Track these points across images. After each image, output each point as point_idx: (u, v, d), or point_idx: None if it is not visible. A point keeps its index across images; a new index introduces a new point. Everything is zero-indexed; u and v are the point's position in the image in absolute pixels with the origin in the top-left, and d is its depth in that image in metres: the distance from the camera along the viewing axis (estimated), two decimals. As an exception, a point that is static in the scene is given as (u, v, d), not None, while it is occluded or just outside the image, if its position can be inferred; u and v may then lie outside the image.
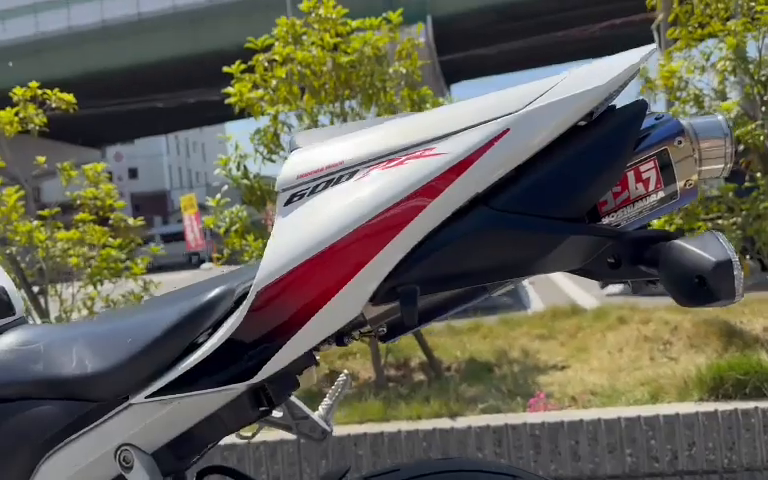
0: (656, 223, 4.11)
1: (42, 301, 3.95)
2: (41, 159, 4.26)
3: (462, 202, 0.71)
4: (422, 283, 0.72)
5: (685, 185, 0.77)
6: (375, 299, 0.72)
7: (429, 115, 0.80)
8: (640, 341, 4.02)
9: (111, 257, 3.95)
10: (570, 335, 4.56)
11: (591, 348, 4.13)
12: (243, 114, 4.00)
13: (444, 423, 2.88)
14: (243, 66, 3.95)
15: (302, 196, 0.75)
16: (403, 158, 0.73)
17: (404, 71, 3.79)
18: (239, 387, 0.75)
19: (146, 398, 0.77)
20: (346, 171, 0.74)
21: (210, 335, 0.76)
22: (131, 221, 4.27)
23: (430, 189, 0.70)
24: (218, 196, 3.94)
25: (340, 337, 0.86)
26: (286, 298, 0.72)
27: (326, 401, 1.20)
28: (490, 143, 0.70)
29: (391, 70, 3.82)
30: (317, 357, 0.94)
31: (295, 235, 0.72)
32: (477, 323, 5.26)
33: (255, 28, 4.64)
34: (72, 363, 0.83)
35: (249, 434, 1.17)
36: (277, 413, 1.18)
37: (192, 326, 0.78)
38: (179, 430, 0.79)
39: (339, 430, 2.86)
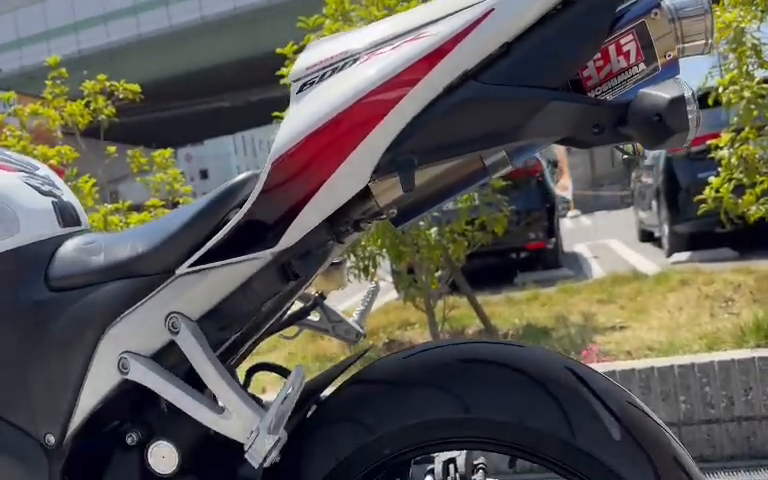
0: (714, 180, 4.02)
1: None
2: (112, 149, 4.54)
3: (452, 78, 0.80)
4: (419, 153, 0.81)
5: (665, 57, 0.82)
6: (378, 171, 0.82)
7: (426, 6, 0.88)
8: (701, 300, 3.96)
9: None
10: (630, 299, 4.51)
11: (650, 309, 4.08)
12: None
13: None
14: (296, 47, 4.10)
15: (311, 84, 0.85)
16: (400, 42, 0.82)
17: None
18: (265, 255, 0.86)
19: (188, 268, 0.89)
20: (350, 58, 0.84)
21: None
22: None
23: (422, 67, 0.79)
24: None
25: (357, 222, 0.96)
26: (298, 168, 0.82)
27: (359, 307, 1.31)
28: (476, 23, 0.79)
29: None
30: (344, 244, 1.04)
31: (304, 114, 0.83)
32: (536, 293, 5.27)
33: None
34: (126, 249, 0.97)
35: (291, 335, 1.29)
36: (314, 317, 1.29)
37: (222, 204, 0.91)
38: (218, 298, 0.91)
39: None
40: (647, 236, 8.68)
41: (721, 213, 4.04)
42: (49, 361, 0.99)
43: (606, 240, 9.84)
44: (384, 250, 4.16)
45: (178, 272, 0.91)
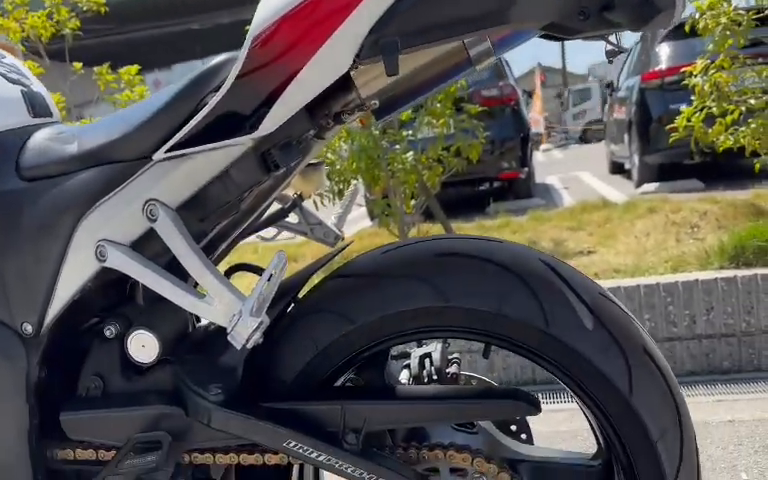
0: (685, 110, 4.06)
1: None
2: (77, 65, 4.39)
3: None
4: (403, 36, 0.79)
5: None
6: (361, 54, 0.80)
7: None
8: (668, 226, 4.05)
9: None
10: (599, 226, 4.59)
11: (619, 235, 4.17)
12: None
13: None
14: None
15: None
16: None
17: None
18: (245, 141, 0.85)
19: (165, 153, 0.88)
20: None
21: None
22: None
23: None
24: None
25: (338, 115, 0.95)
26: (278, 50, 0.80)
27: (337, 210, 1.31)
28: None
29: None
30: (324, 140, 1.03)
31: None
32: (507, 221, 5.32)
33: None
34: (101, 136, 0.95)
35: (269, 237, 1.29)
36: (293, 219, 1.29)
37: (199, 88, 0.89)
38: (196, 186, 0.90)
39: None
40: (617, 168, 8.79)
41: (691, 142, 4.10)
42: (24, 250, 0.97)
43: (577, 172, 9.94)
44: (359, 175, 4.15)
45: (155, 158, 0.89)
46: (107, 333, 1.00)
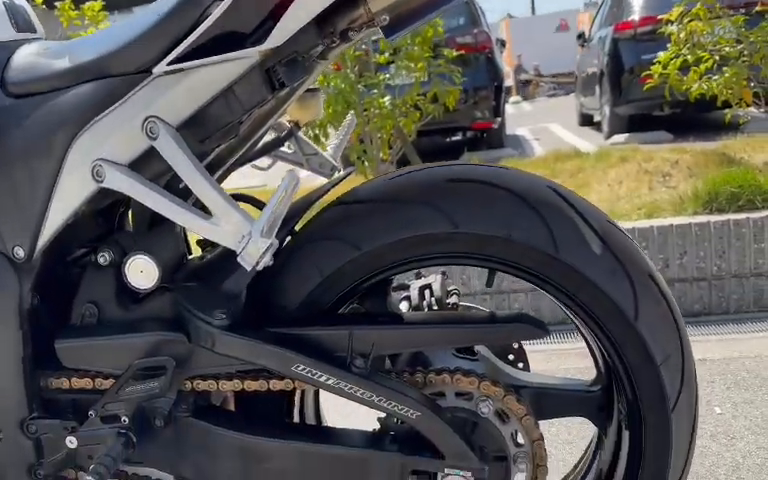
0: (663, 56, 4.08)
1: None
2: (38, 0, 4.19)
3: None
4: None
5: None
6: None
7: None
8: (641, 175, 4.09)
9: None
10: (571, 174, 4.62)
11: (591, 183, 4.20)
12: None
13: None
14: None
15: None
16: None
17: None
18: (251, 53, 0.81)
19: (166, 66, 0.83)
20: None
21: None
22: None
23: None
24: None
25: (345, 32, 0.92)
26: None
27: (334, 141, 1.28)
28: None
29: None
30: (327, 60, 1.00)
31: None
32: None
33: None
34: (96, 49, 0.90)
35: (264, 167, 1.26)
36: (288, 149, 1.26)
37: None
38: (198, 103, 0.86)
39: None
40: (587, 120, 8.84)
41: (666, 91, 4.14)
42: (13, 171, 0.93)
43: (547, 124, 9.98)
44: (333, 120, 4.09)
45: (155, 72, 0.85)
46: (101, 260, 0.97)
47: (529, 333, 0.92)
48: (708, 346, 2.43)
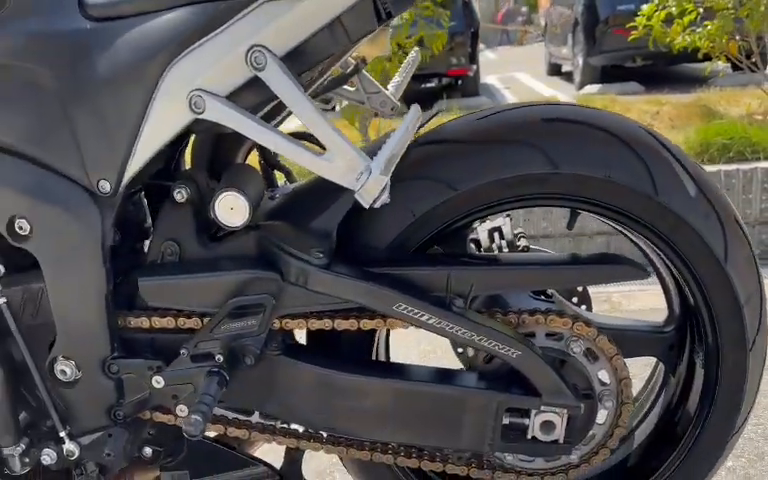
0: (646, 8, 4.11)
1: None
2: None
3: None
4: None
5: None
6: None
7: None
8: (623, 125, 4.15)
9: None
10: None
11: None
12: None
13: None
14: None
15: None
16: None
17: None
18: None
19: None
20: None
21: None
22: None
23: None
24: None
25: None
26: None
27: (396, 79, 1.25)
28: None
29: None
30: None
31: None
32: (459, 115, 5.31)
33: None
34: None
35: (326, 106, 1.22)
36: (350, 87, 1.22)
37: None
38: (307, 33, 0.82)
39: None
40: (555, 70, 8.88)
41: (649, 42, 4.17)
42: (97, 101, 0.87)
43: (514, 73, 9.97)
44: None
45: None
46: (178, 196, 0.93)
47: (632, 274, 0.93)
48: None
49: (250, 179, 0.97)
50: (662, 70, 6.99)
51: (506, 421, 0.95)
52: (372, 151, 0.85)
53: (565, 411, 0.93)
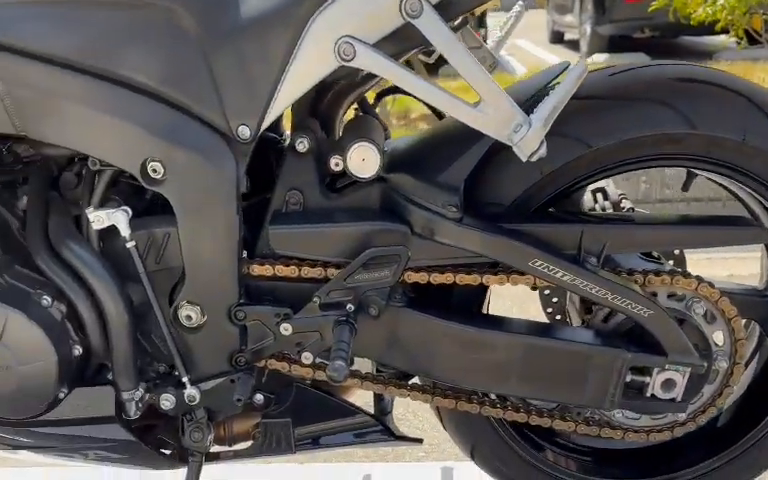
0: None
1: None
2: None
3: None
4: None
5: None
6: None
7: None
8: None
9: None
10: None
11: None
12: None
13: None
14: None
15: None
16: None
17: None
18: None
19: None
20: None
21: None
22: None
23: None
24: None
25: None
26: None
27: (497, 33, 1.23)
28: None
29: None
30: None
31: None
32: (465, 85, 5.27)
33: None
34: None
35: (428, 59, 1.21)
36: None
37: None
38: None
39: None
40: (558, 38, 8.83)
41: (670, 13, 4.16)
42: (241, 44, 0.85)
43: (514, 40, 9.90)
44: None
45: None
46: (299, 146, 0.92)
47: (762, 237, 0.94)
48: (731, 263, 2.54)
49: (376, 131, 0.96)
50: (669, 42, 6.99)
51: (628, 379, 0.96)
52: None
53: (688, 370, 0.95)
